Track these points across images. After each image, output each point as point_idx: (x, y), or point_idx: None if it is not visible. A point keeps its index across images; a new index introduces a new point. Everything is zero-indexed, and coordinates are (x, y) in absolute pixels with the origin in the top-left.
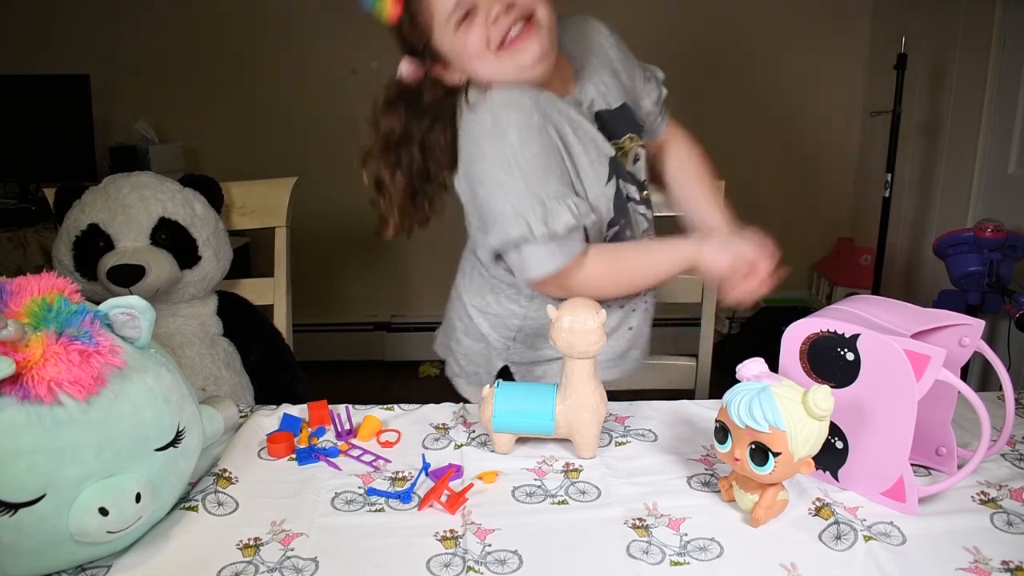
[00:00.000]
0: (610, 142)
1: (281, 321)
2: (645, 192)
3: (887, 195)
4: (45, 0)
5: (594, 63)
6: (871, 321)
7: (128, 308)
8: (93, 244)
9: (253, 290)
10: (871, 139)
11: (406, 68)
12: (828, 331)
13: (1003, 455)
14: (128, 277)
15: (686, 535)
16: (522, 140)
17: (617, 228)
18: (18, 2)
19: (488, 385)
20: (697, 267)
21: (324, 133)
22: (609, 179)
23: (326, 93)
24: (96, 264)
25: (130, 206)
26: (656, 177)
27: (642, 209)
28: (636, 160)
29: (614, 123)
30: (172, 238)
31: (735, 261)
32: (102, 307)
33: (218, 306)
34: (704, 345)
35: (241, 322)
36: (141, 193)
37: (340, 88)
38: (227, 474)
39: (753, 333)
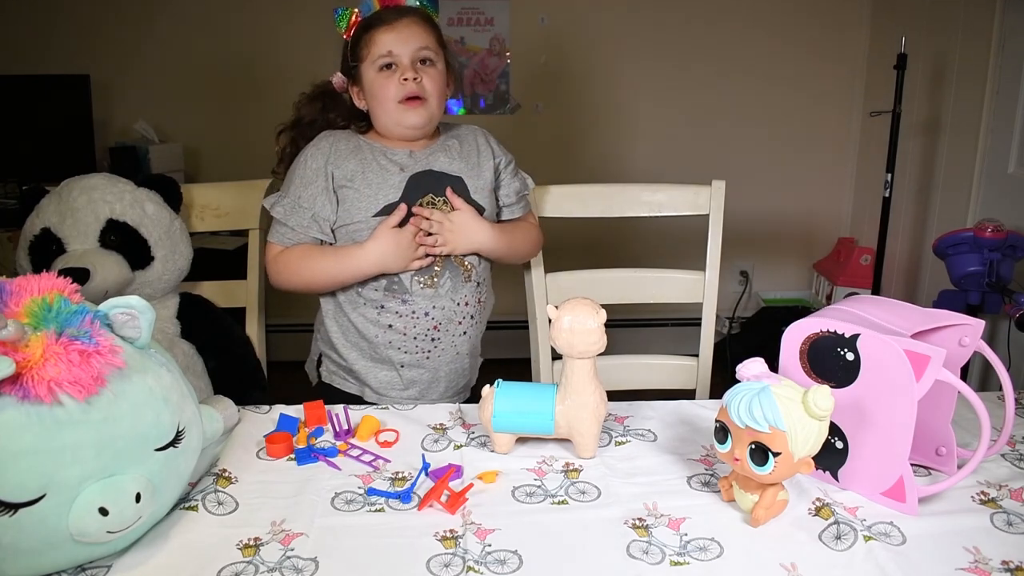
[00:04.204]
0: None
1: (252, 325)
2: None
3: (887, 195)
4: (45, 0)
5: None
6: (871, 321)
7: (128, 308)
8: (47, 248)
9: (225, 292)
10: (871, 139)
11: (337, 79)
12: (828, 331)
13: (1003, 455)
14: (73, 280)
15: (686, 535)
16: (306, 157)
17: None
18: (18, 2)
19: (488, 385)
20: (378, 267)
21: None
22: (378, 215)
23: None
24: (50, 268)
25: (78, 209)
26: None
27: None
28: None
29: (435, 180)
30: (122, 239)
31: (396, 235)
32: (102, 307)
33: (179, 308)
34: (704, 345)
35: (198, 326)
36: (90, 196)
37: None
38: (227, 474)
39: (753, 333)
